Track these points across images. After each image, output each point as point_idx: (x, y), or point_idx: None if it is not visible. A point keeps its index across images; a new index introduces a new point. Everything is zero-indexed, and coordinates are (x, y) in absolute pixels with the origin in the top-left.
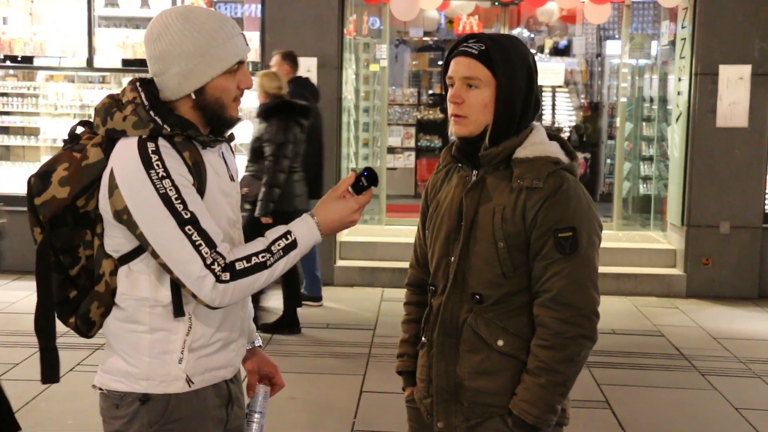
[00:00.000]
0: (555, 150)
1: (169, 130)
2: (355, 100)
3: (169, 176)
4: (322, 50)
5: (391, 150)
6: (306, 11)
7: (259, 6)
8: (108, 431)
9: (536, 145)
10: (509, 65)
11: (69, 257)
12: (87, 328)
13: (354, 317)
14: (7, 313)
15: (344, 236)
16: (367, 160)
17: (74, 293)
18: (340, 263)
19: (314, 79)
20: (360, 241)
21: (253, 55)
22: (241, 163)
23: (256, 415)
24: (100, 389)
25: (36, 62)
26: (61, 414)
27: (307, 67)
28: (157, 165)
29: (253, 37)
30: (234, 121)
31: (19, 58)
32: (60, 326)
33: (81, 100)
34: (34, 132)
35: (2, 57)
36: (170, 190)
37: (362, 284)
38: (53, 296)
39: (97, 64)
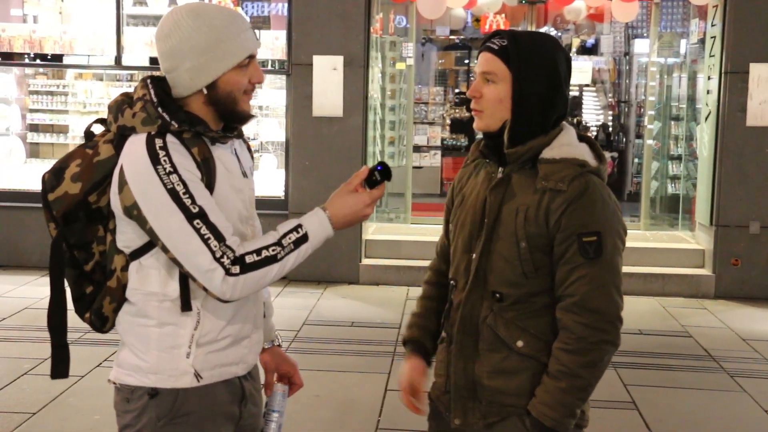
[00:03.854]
0: (583, 152)
1: (177, 126)
2: (381, 99)
3: (176, 171)
4: (349, 48)
5: (417, 149)
6: (332, 9)
7: (286, 4)
8: (120, 425)
9: (564, 147)
10: (527, 62)
11: (83, 253)
12: (101, 323)
13: (379, 315)
14: (34, 309)
15: (370, 234)
16: (393, 158)
17: (90, 289)
18: (365, 261)
19: (340, 77)
20: (385, 239)
21: (280, 53)
22: (267, 161)
23: (275, 414)
24: (114, 383)
25: (65, 60)
26: (89, 409)
27: (333, 65)
28: (165, 161)
29: (280, 36)
30: (246, 115)
31: (48, 57)
32: (82, 323)
33: (109, 98)
34: (63, 129)
35: (32, 55)
36: (178, 185)
37: (387, 282)
38: (65, 293)
39: (125, 62)
